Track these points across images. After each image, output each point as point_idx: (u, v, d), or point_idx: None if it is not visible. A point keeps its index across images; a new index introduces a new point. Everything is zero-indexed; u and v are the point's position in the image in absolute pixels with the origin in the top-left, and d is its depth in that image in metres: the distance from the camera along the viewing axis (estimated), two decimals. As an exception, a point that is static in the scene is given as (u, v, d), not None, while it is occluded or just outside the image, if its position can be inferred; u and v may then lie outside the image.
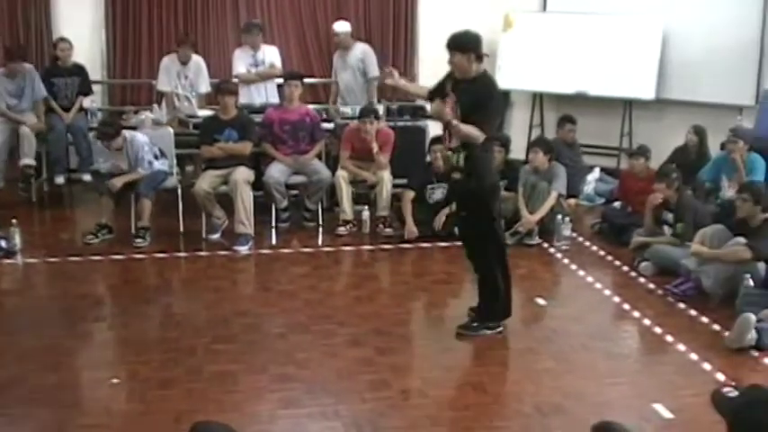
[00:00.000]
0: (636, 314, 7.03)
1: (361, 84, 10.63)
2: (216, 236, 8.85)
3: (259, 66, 10.52)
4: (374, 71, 10.57)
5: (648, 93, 11.31)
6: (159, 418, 5.12)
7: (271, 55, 10.55)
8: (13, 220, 8.34)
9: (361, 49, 10.70)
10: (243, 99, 10.39)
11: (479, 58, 6.13)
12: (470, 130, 5.97)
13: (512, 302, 6.56)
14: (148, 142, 8.85)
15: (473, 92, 6.09)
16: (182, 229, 8.99)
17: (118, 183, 8.57)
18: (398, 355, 6.24)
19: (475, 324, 6.44)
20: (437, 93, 6.41)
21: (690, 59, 11.15)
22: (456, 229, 8.92)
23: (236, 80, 10.19)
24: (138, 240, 8.55)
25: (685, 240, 7.72)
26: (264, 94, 10.46)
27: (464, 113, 6.03)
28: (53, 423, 5.09)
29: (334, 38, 10.77)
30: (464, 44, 6.12)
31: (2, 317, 6.82)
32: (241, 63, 10.53)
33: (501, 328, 6.48)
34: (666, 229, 8.16)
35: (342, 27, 10.62)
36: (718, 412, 3.14)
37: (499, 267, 6.46)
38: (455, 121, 5.96)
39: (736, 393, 3.20)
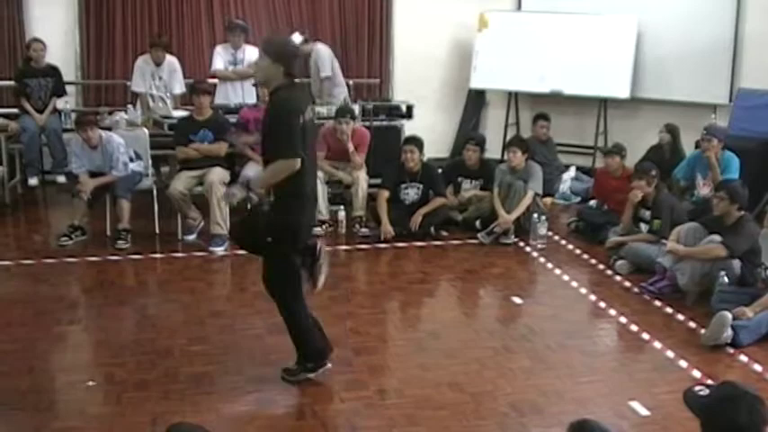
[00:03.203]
0: (612, 312, 7.05)
1: (318, 82, 10.68)
2: (192, 237, 8.83)
3: (238, 64, 10.51)
4: (327, 71, 10.63)
5: (623, 92, 11.36)
6: (135, 421, 5.09)
7: (251, 55, 10.54)
8: (-13, 223, 8.30)
9: (315, 51, 10.76)
10: (219, 98, 10.41)
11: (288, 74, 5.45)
12: (273, 173, 5.34)
13: (326, 338, 5.81)
14: (124, 144, 8.82)
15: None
16: (157, 230, 8.97)
17: (88, 186, 8.52)
18: (375, 354, 6.24)
19: (295, 368, 5.71)
20: None
21: (664, 58, 11.23)
22: (432, 230, 8.98)
23: (213, 78, 10.20)
24: (120, 242, 8.53)
25: (662, 237, 7.75)
26: (241, 94, 10.43)
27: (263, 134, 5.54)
28: (28, 426, 5.05)
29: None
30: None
31: (-25, 320, 6.77)
32: (220, 60, 10.53)
33: (327, 366, 5.73)
34: (643, 226, 8.19)
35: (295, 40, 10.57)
36: (690, 410, 3.16)
37: (298, 307, 5.65)
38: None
39: (707, 391, 3.21)
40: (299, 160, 5.27)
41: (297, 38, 10.29)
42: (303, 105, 5.48)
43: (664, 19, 11.25)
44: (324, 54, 10.76)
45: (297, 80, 5.63)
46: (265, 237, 5.45)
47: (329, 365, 5.73)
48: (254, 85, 9.46)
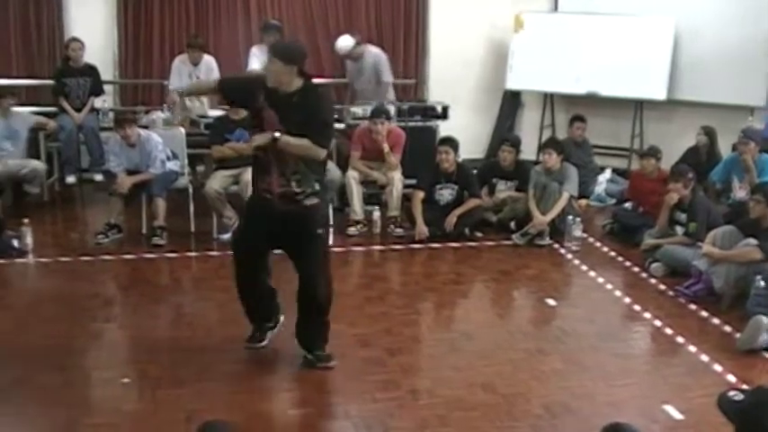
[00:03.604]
0: (646, 315, 7.02)
1: (374, 87, 10.62)
2: (226, 236, 8.83)
3: None
4: (388, 77, 10.62)
5: (660, 93, 11.29)
6: (169, 418, 5.13)
7: None
8: (25, 220, 8.38)
9: (373, 55, 10.72)
10: (256, 99, 10.43)
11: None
12: (303, 143, 5.50)
13: None
14: (162, 142, 8.89)
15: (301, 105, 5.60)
16: (192, 228, 9.02)
17: (126, 184, 8.61)
18: (408, 355, 6.25)
19: (325, 354, 5.94)
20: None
21: (701, 60, 11.13)
22: (466, 231, 8.97)
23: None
24: (156, 239, 8.60)
25: (698, 240, 7.71)
26: None
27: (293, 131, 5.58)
28: (63, 422, 5.11)
29: (339, 53, 10.76)
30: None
31: (13, 316, 6.83)
32: (256, 60, 10.56)
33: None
34: (679, 228, 8.15)
35: (345, 43, 10.56)
36: (724, 415, 3.14)
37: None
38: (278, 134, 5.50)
39: (741, 396, 3.19)
40: (325, 151, 5.62)
41: (348, 40, 10.30)
42: None
43: (701, 20, 11.16)
44: (384, 59, 10.77)
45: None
46: (317, 230, 5.75)
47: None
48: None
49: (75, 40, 10.51)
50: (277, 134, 5.42)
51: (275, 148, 5.50)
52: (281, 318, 6.25)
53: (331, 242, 8.70)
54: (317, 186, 5.66)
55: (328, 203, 5.80)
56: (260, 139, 5.55)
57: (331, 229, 8.98)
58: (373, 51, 10.75)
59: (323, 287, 5.86)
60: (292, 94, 5.56)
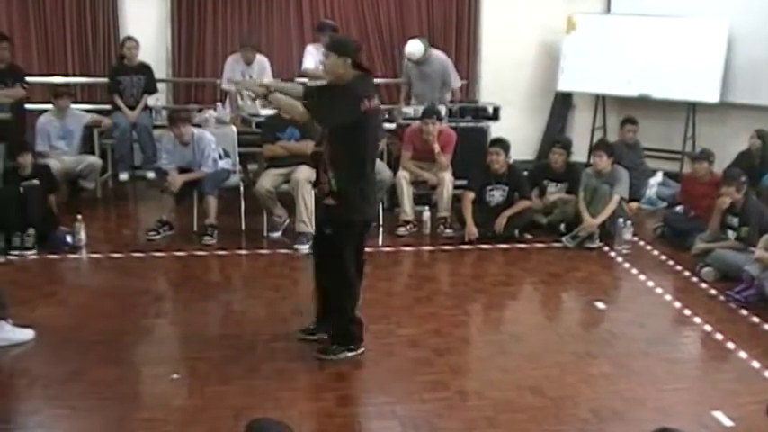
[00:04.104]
0: (697, 320, 6.96)
1: (438, 91, 10.58)
2: (277, 234, 8.91)
3: None
4: (457, 81, 10.68)
5: (713, 96, 11.19)
6: (218, 414, 5.17)
7: None
8: (79, 216, 8.49)
9: (441, 61, 10.63)
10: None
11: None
12: (289, 101, 5.90)
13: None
14: (215, 141, 8.96)
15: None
16: (243, 227, 9.08)
17: (177, 182, 8.69)
18: (456, 356, 6.25)
19: (335, 347, 6.05)
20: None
21: (755, 63, 11.02)
22: (516, 232, 8.95)
23: (303, 77, 10.35)
24: (207, 238, 8.67)
25: (749, 245, 7.64)
26: None
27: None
28: (113, 416, 5.16)
29: (409, 58, 10.58)
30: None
31: (66, 311, 6.91)
32: (311, 58, 10.65)
33: (362, 350, 6.11)
34: (730, 233, 8.07)
35: (416, 48, 10.39)
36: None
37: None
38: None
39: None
40: (308, 114, 5.87)
41: (418, 45, 10.26)
42: (369, 92, 5.83)
43: (755, 23, 11.04)
44: (451, 63, 10.80)
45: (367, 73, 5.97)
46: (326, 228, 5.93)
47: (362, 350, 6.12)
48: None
49: (130, 38, 10.64)
50: (266, 81, 5.62)
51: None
52: None
53: (381, 242, 8.77)
54: (335, 187, 5.73)
55: (354, 206, 5.69)
56: (246, 83, 5.78)
57: (380, 229, 9.07)
58: (440, 57, 10.69)
59: (336, 286, 5.97)
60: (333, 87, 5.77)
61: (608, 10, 12.36)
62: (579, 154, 10.78)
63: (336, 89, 5.79)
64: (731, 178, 8.05)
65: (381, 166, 9.30)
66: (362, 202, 5.86)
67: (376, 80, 10.67)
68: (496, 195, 9.10)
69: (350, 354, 6.01)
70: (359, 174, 5.81)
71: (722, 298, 7.44)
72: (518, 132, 11.04)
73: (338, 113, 5.72)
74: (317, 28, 10.87)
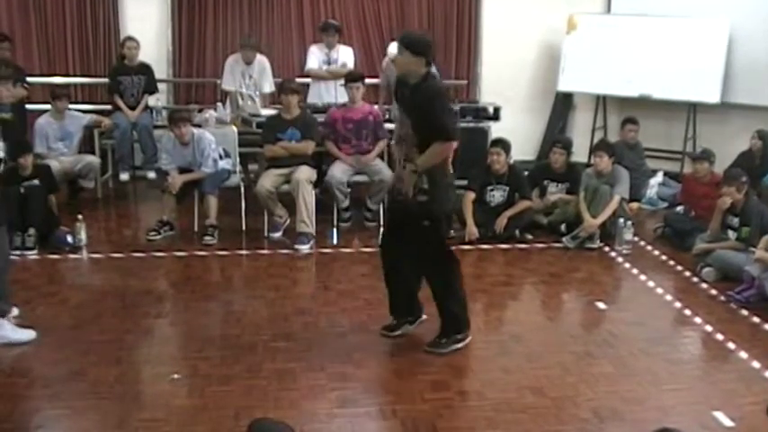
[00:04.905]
0: (697, 320, 6.96)
1: None
2: (277, 234, 8.92)
3: (332, 64, 10.61)
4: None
5: (713, 96, 11.20)
6: (218, 414, 5.17)
7: (344, 55, 10.65)
8: (79, 216, 8.50)
9: None
10: (312, 97, 10.57)
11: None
12: (431, 156, 5.88)
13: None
14: (215, 141, 8.96)
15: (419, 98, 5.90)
16: (244, 227, 9.09)
17: (177, 182, 8.70)
18: (457, 356, 6.23)
19: (444, 341, 6.22)
20: None
21: (756, 63, 11.03)
22: (516, 232, 8.94)
23: (305, 77, 10.37)
24: (207, 238, 8.68)
25: (750, 245, 7.64)
26: (334, 94, 10.51)
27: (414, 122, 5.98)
28: (114, 416, 5.16)
29: (393, 60, 10.52)
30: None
31: (66, 311, 6.91)
32: (314, 59, 10.66)
33: (470, 338, 6.33)
34: (731, 233, 8.07)
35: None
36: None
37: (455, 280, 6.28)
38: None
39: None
40: (454, 143, 5.90)
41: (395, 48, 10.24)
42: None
43: (756, 22, 11.04)
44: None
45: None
46: (423, 221, 5.99)
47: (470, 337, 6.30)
48: (344, 85, 9.52)
49: (130, 38, 10.65)
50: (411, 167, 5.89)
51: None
52: (423, 316, 6.50)
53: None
54: (426, 183, 5.96)
55: (447, 198, 6.16)
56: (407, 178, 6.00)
57: (381, 230, 9.06)
58: None
59: (438, 273, 6.20)
60: (415, 86, 5.86)
61: (608, 10, 12.37)
62: (580, 154, 10.79)
63: (428, 91, 5.86)
64: (732, 178, 8.04)
65: (382, 166, 9.31)
66: (451, 194, 6.28)
67: (376, 80, 10.76)
68: (497, 195, 9.10)
69: (458, 345, 6.19)
70: (446, 169, 6.06)
71: (723, 298, 7.44)
72: (519, 132, 11.05)
73: (451, 116, 6.04)
74: (321, 28, 10.88)
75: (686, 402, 5.52)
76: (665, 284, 7.86)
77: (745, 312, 7.11)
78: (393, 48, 10.11)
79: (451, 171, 6.13)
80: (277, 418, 3.67)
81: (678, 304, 7.35)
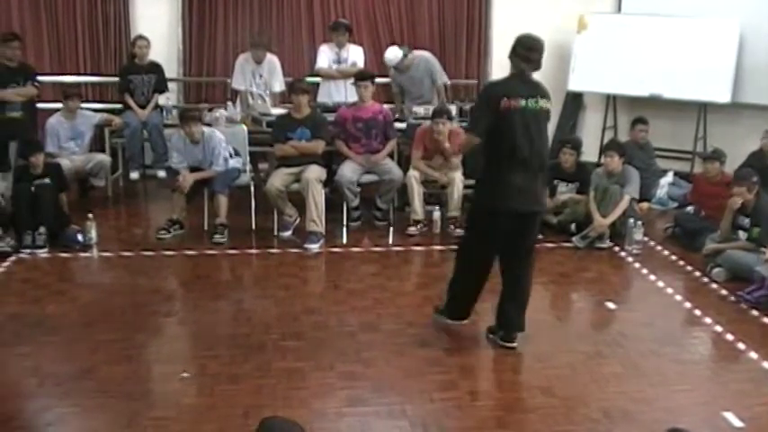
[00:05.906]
0: (707, 320, 6.95)
1: (429, 88, 10.52)
2: (287, 233, 8.92)
3: (342, 63, 10.60)
4: (443, 78, 10.54)
5: (724, 96, 11.16)
6: (227, 413, 5.18)
7: (355, 54, 10.64)
8: (89, 215, 8.52)
9: (424, 60, 10.42)
10: (322, 96, 10.56)
11: None
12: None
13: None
14: (225, 140, 8.97)
15: None
16: (253, 226, 9.10)
17: (187, 181, 8.71)
18: (467, 356, 6.23)
19: (515, 334, 6.43)
20: None
21: (766, 63, 10.98)
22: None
23: (316, 77, 10.48)
24: (217, 237, 8.69)
25: (761, 245, 7.62)
26: (344, 93, 10.49)
27: None
28: (123, 415, 5.17)
29: (387, 65, 10.39)
30: None
31: (76, 309, 6.93)
32: (324, 58, 10.64)
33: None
34: (741, 233, 8.05)
35: (394, 54, 10.18)
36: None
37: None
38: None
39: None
40: (476, 138, 6.06)
41: (396, 52, 10.20)
42: (510, 91, 6.17)
43: (767, 23, 11.00)
44: (435, 60, 10.56)
45: (524, 71, 6.42)
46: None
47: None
48: (354, 84, 9.51)
49: (141, 37, 10.65)
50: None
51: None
52: None
53: (391, 241, 8.79)
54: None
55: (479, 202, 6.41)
56: None
57: (390, 229, 9.07)
58: (425, 57, 10.49)
59: (528, 272, 6.59)
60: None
61: (619, 10, 12.33)
62: (590, 154, 10.77)
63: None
64: (742, 178, 8.02)
65: (392, 166, 9.31)
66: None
67: (386, 79, 10.74)
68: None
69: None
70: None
71: (733, 298, 7.42)
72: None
73: (473, 117, 6.41)
74: (332, 27, 10.87)
75: (696, 403, 5.52)
76: (675, 284, 7.85)
77: (755, 313, 7.09)
78: (390, 53, 10.15)
79: (503, 174, 6.19)
80: (286, 416, 3.67)
81: (688, 304, 7.34)
